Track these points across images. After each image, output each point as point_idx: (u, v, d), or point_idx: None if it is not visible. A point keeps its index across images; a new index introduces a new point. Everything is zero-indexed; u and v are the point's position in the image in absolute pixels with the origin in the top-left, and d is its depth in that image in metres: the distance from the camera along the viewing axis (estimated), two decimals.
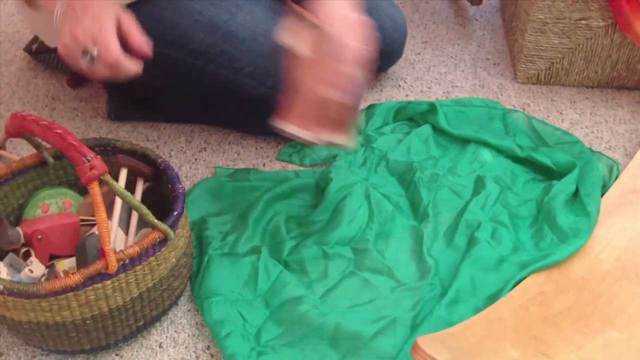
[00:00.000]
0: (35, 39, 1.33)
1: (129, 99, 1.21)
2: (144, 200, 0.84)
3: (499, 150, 1.11)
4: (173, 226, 0.79)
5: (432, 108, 1.16)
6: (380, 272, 0.92)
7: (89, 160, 0.69)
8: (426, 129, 1.14)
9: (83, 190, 0.93)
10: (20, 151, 1.14)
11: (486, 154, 1.09)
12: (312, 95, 0.85)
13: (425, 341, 0.74)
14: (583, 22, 1.21)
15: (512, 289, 0.88)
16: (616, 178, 1.06)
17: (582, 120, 1.22)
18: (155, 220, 0.76)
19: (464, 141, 1.12)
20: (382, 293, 0.90)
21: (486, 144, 1.12)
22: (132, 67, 0.85)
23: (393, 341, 0.83)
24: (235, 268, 0.91)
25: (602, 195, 1.01)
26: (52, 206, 0.90)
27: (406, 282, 0.91)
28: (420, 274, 0.92)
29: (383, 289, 0.90)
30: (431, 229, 0.97)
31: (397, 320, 0.86)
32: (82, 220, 0.88)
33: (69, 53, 0.85)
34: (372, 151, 1.11)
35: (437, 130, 1.14)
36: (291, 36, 0.85)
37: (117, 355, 0.84)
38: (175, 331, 0.87)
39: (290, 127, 0.86)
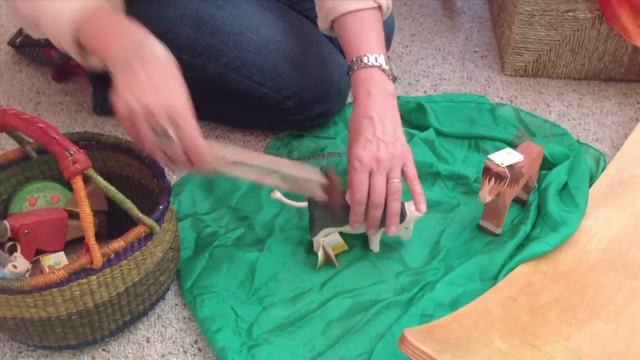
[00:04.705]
0: (20, 32, 1.32)
1: None
2: (130, 194, 0.83)
3: (495, 142, 1.11)
4: (159, 220, 0.78)
5: (420, 107, 1.16)
6: (389, 258, 0.93)
7: (71, 155, 0.68)
8: (430, 134, 1.13)
9: (70, 185, 0.92)
10: (5, 146, 1.13)
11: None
12: None
13: (412, 333, 0.74)
14: (570, 14, 1.21)
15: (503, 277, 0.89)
16: (603, 170, 1.07)
17: (569, 112, 1.22)
18: (141, 215, 0.75)
19: (464, 140, 1.13)
20: (386, 277, 0.91)
21: (481, 138, 1.12)
22: (210, 161, 0.75)
23: (383, 325, 0.84)
24: (232, 267, 0.91)
25: (589, 187, 1.02)
26: (40, 200, 0.90)
27: (413, 267, 0.92)
28: (428, 259, 0.93)
29: (388, 273, 0.91)
30: (454, 221, 0.99)
31: (392, 304, 0.86)
32: (69, 212, 0.88)
33: (131, 122, 0.72)
34: None
35: (439, 133, 1.14)
36: None
37: (103, 350, 0.84)
38: (163, 326, 0.87)
39: None
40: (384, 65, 0.88)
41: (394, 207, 0.85)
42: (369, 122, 0.86)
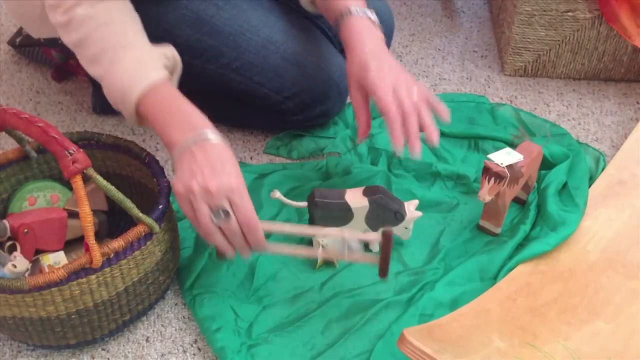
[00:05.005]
0: (19, 32, 1.32)
1: None
2: (130, 194, 0.84)
3: (494, 142, 1.11)
4: (158, 220, 0.78)
5: None
6: None
7: (71, 154, 0.68)
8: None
9: (70, 184, 0.92)
10: (5, 145, 1.13)
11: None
12: None
13: (412, 332, 0.74)
14: (570, 14, 1.21)
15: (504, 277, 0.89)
16: (603, 170, 1.07)
17: (569, 112, 1.22)
18: (140, 214, 0.76)
19: (464, 140, 1.13)
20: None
21: (481, 138, 1.12)
22: (263, 241, 0.78)
23: (382, 325, 0.84)
24: (232, 266, 0.91)
25: (589, 187, 1.02)
26: (40, 199, 0.90)
27: (412, 267, 0.92)
28: (428, 259, 0.93)
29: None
30: (453, 221, 0.99)
31: (392, 304, 0.86)
32: (69, 211, 0.88)
33: (189, 202, 0.75)
34: (376, 151, 1.10)
35: (439, 133, 1.13)
36: None
37: (103, 349, 0.84)
38: (162, 325, 0.87)
39: None
40: (372, 18, 0.91)
41: (427, 118, 0.88)
42: (373, 56, 0.89)
